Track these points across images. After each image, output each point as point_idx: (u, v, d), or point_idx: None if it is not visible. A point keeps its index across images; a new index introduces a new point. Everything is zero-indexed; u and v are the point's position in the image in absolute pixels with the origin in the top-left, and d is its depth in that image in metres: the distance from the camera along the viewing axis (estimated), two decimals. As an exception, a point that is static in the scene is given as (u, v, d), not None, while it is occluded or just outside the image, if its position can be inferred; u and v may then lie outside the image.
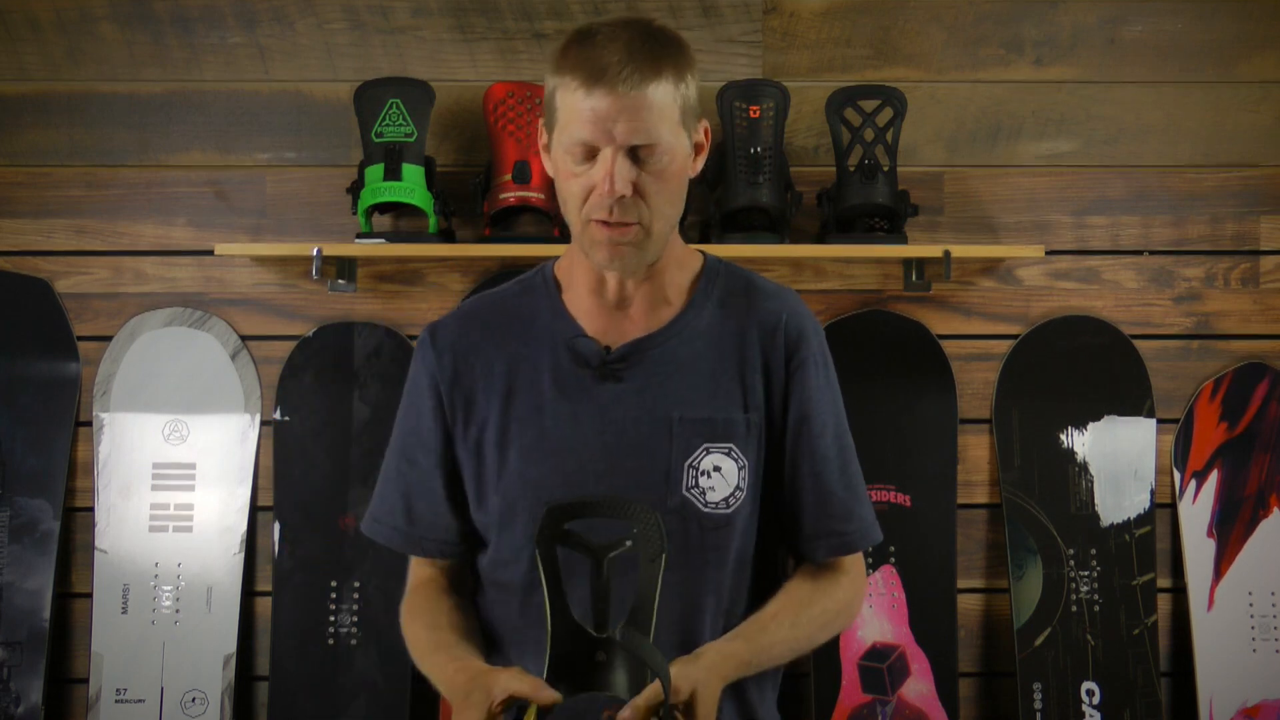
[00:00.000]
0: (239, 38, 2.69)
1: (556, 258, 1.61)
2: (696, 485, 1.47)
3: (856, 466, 1.56)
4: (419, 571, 1.59)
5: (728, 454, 1.48)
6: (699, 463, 1.47)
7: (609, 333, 1.51)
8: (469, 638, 1.50)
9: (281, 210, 2.68)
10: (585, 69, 1.39)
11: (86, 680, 2.57)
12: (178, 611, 2.59)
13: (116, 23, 2.68)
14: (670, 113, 1.41)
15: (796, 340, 1.52)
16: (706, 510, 1.47)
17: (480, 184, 2.57)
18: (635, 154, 1.39)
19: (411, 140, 2.50)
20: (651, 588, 1.28)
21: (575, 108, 1.39)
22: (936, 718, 2.57)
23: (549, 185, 2.53)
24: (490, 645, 1.54)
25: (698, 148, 1.49)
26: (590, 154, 1.40)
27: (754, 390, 1.50)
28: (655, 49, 1.41)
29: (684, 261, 1.56)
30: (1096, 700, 2.59)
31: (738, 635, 1.43)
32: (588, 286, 1.52)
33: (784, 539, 1.54)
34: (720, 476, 1.48)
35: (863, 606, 1.56)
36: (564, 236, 2.57)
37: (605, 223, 1.41)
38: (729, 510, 1.48)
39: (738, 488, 1.48)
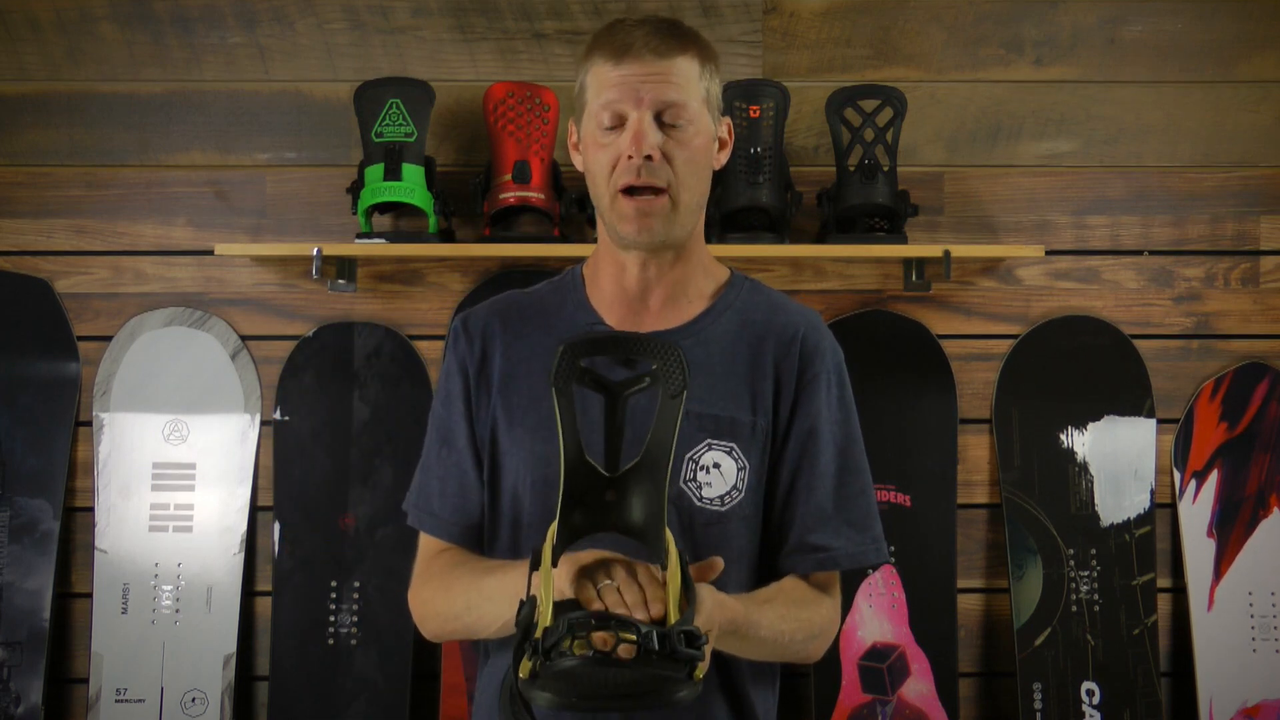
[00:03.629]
0: (239, 38, 2.69)
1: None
2: (694, 479, 1.47)
3: (859, 490, 1.54)
4: (437, 544, 1.58)
5: (729, 453, 1.48)
6: (699, 457, 1.47)
7: (625, 322, 1.53)
8: None
9: (281, 210, 2.68)
10: (613, 46, 1.45)
11: (86, 680, 2.57)
12: (178, 611, 2.59)
13: (116, 23, 2.68)
14: (694, 89, 1.46)
15: (811, 355, 1.53)
16: (700, 504, 1.47)
17: (480, 184, 2.57)
18: (661, 122, 1.44)
19: (411, 140, 2.50)
20: (670, 426, 1.25)
21: (604, 78, 1.45)
22: (936, 718, 2.57)
23: (549, 185, 2.53)
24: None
25: (720, 143, 1.53)
26: (618, 122, 1.45)
27: (763, 397, 1.51)
28: (680, 31, 1.48)
29: (710, 270, 1.58)
30: (1096, 700, 2.59)
31: (736, 598, 1.40)
32: (610, 275, 1.54)
33: (771, 551, 1.53)
34: (719, 474, 1.48)
35: (828, 644, 1.55)
36: (564, 236, 2.58)
37: (632, 192, 1.44)
38: (723, 509, 1.48)
39: (735, 487, 1.48)
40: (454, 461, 1.56)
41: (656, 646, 1.15)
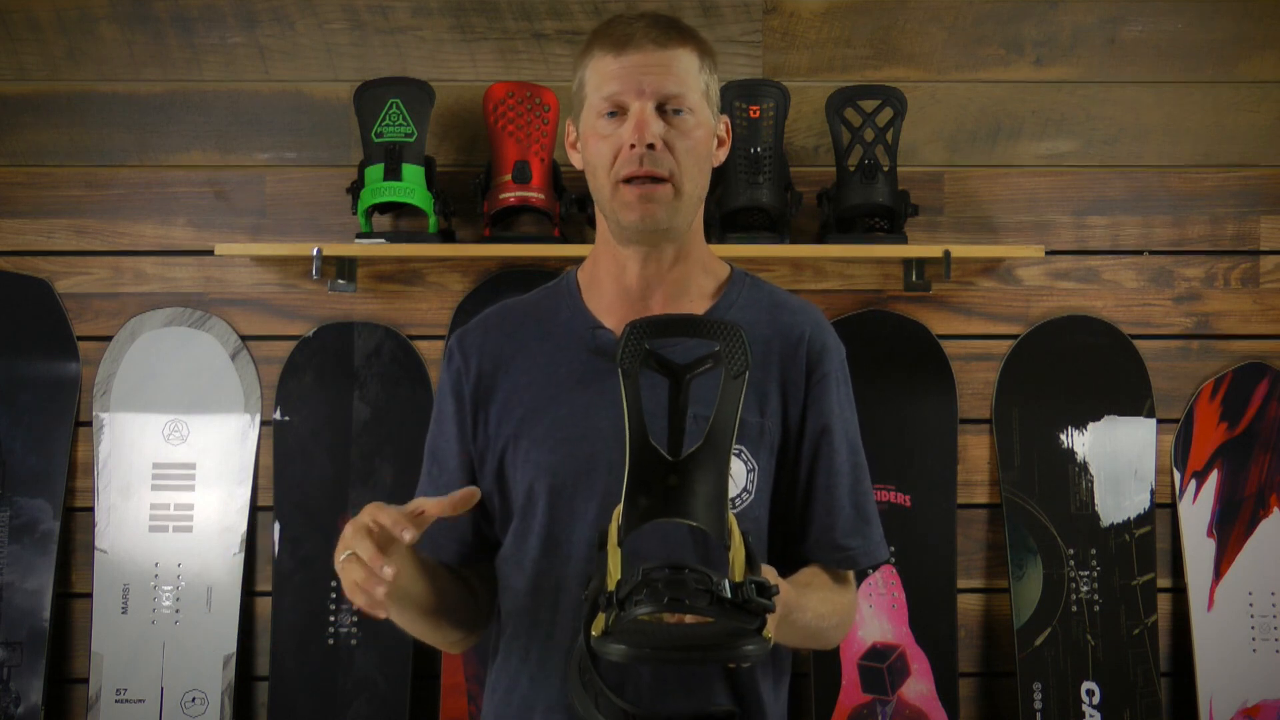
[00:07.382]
0: (239, 38, 2.69)
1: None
2: None
3: (868, 487, 1.55)
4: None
5: (738, 455, 1.47)
6: None
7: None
8: (427, 565, 1.51)
9: (281, 210, 2.68)
10: (613, 39, 1.46)
11: (86, 680, 2.57)
12: (178, 611, 2.59)
13: (116, 23, 2.68)
14: (694, 81, 1.47)
15: (819, 354, 1.53)
16: None
17: (480, 184, 2.57)
18: (663, 112, 1.45)
19: (411, 140, 2.50)
20: (733, 407, 1.25)
21: (605, 70, 1.46)
22: (936, 718, 2.57)
23: (549, 185, 2.53)
24: (500, 632, 1.55)
25: (719, 140, 1.53)
26: (619, 113, 1.45)
27: (770, 398, 1.50)
28: (679, 25, 1.49)
29: (710, 267, 1.57)
30: (1096, 700, 2.59)
31: (784, 581, 1.39)
32: (610, 275, 1.53)
33: (786, 550, 1.53)
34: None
35: (848, 632, 1.56)
36: (564, 236, 2.58)
37: (634, 180, 1.44)
38: (733, 511, 1.47)
39: (744, 489, 1.48)
40: (444, 483, 1.55)
41: (729, 594, 1.16)
